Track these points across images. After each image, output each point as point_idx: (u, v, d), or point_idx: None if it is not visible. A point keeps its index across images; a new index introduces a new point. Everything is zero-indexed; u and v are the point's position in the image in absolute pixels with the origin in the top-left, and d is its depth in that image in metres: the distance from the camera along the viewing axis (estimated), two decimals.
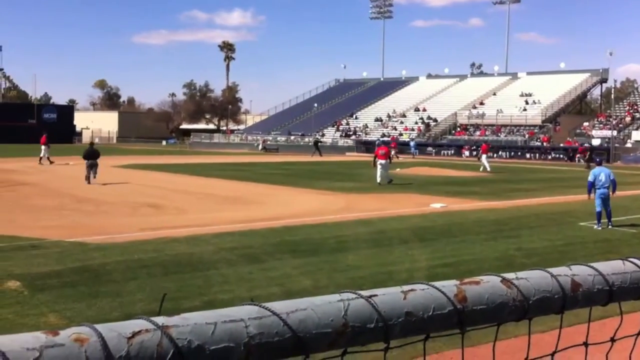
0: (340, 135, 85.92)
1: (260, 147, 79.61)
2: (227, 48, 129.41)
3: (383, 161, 29.91)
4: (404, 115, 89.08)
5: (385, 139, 71.27)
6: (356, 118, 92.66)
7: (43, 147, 42.97)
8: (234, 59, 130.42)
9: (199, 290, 9.80)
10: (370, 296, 1.14)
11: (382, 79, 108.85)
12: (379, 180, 29.64)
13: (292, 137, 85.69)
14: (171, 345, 0.93)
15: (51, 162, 41.66)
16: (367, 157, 62.76)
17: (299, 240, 14.31)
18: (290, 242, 14.05)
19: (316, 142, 69.35)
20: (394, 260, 12.33)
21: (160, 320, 0.96)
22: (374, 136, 79.53)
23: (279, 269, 11.44)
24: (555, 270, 1.37)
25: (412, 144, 67.63)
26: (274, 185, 28.72)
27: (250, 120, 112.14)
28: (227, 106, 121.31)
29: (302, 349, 1.03)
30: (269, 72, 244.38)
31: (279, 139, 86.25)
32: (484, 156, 43.27)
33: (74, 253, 12.48)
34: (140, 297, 9.40)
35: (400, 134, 79.69)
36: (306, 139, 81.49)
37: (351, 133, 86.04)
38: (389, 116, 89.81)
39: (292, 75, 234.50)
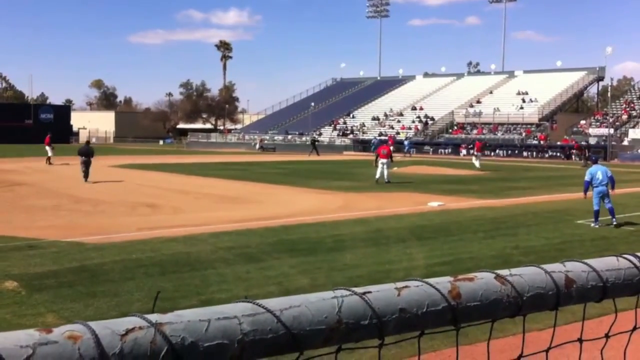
0: (338, 135, 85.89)
1: (257, 146, 79.47)
2: (224, 47, 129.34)
3: (385, 160, 30.09)
4: (401, 114, 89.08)
5: (382, 137, 71.41)
6: (353, 117, 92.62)
7: (47, 147, 42.94)
8: (231, 57, 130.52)
9: (197, 290, 9.80)
10: (364, 293, 1.14)
11: (379, 78, 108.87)
12: (377, 176, 29.81)
13: (289, 137, 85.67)
14: (165, 342, 0.93)
15: (50, 163, 41.55)
16: (364, 156, 62.78)
17: (297, 240, 14.31)
18: (288, 242, 14.05)
19: (313, 141, 69.35)
20: (391, 259, 12.34)
21: (154, 317, 0.96)
22: (371, 135, 79.63)
23: (277, 268, 11.44)
24: (549, 267, 1.37)
25: (406, 142, 67.73)
26: (271, 185, 28.71)
27: (247, 120, 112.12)
28: (224, 105, 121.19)
29: (296, 345, 1.03)
30: (266, 71, 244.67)
31: (276, 138, 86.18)
32: (479, 154, 44.30)
33: (71, 253, 12.47)
34: (138, 296, 9.40)
35: (398, 133, 79.67)
36: (303, 138, 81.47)
37: (348, 132, 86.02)
38: (386, 115, 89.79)
39: (288, 75, 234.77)
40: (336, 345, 1.11)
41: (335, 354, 1.13)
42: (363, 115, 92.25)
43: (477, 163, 42.82)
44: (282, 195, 24.58)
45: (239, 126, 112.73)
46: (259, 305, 1.03)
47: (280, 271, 11.23)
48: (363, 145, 74.58)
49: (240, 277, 10.75)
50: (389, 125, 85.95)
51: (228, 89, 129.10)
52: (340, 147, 77.05)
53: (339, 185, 28.47)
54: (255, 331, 1.00)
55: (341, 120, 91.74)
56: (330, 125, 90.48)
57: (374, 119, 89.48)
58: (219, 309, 1.02)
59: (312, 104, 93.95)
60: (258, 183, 29.48)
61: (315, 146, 66.15)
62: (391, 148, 33.30)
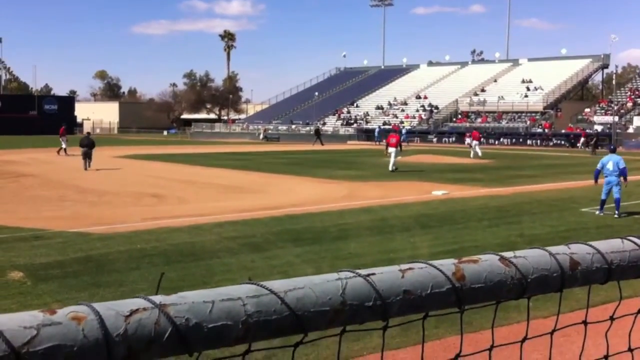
0: (342, 124, 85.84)
1: (261, 136, 79.55)
2: (228, 37, 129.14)
3: (393, 149, 30.62)
4: (405, 103, 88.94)
5: (386, 127, 71.35)
6: (357, 106, 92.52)
7: (61, 138, 43.01)
8: (235, 47, 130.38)
9: (202, 279, 9.82)
10: (369, 275, 1.14)
11: (382, 67, 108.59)
12: (390, 167, 30.18)
13: (294, 126, 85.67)
14: (169, 323, 0.93)
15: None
16: (368, 145, 62.73)
17: (301, 229, 14.32)
18: (293, 231, 14.06)
19: (317, 131, 69.30)
20: (395, 248, 12.35)
21: (158, 299, 0.96)
22: (375, 124, 79.48)
23: (282, 257, 11.46)
24: (553, 249, 1.37)
25: (403, 131, 67.94)
26: (275, 174, 28.71)
27: (251, 110, 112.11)
28: (228, 96, 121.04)
29: (300, 327, 1.03)
30: (270, 61, 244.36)
31: (280, 128, 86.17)
32: (475, 142, 44.62)
33: (76, 243, 12.50)
34: (143, 286, 9.42)
35: (402, 122, 79.59)
36: (307, 128, 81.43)
37: (352, 121, 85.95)
38: (390, 104, 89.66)
39: (292, 64, 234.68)
40: (340, 327, 1.11)
41: (339, 336, 1.13)
42: (367, 105, 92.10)
43: (477, 151, 43.23)
44: (287, 184, 24.58)
45: (242, 116, 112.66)
46: (263, 287, 1.03)
47: (285, 260, 11.25)
48: (367, 134, 74.53)
49: (245, 266, 10.77)
50: (393, 114, 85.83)
51: (232, 79, 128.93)
52: (344, 136, 76.94)
53: (343, 174, 28.46)
54: (259, 312, 1.00)
55: (345, 110, 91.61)
56: (334, 115, 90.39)
57: (378, 108, 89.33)
58: (223, 290, 1.02)
59: (316, 93, 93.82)
60: (262, 173, 29.49)
61: (319, 136, 66.10)
62: (401, 137, 33.78)
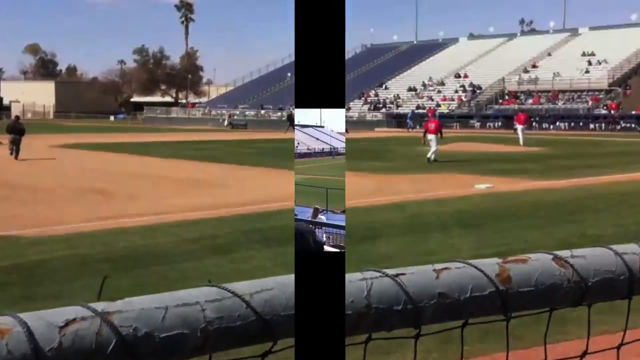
0: (368, 109, 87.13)
1: (225, 122, 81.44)
2: (185, 8, 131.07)
3: (433, 136, 31.32)
4: (442, 84, 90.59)
5: (420, 111, 72.37)
6: (386, 88, 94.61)
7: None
8: (193, 20, 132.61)
9: (157, 289, 9.67)
10: (397, 275, 1.19)
11: (415, 42, 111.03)
12: (429, 155, 30.96)
13: (263, 112, 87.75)
14: (113, 333, 0.96)
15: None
16: (399, 132, 62.98)
17: (272, 228, 14.45)
18: (263, 230, 14.31)
19: (290, 117, 70.12)
20: (432, 250, 12.45)
21: (100, 306, 1.00)
22: (407, 108, 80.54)
23: (251, 261, 11.61)
24: (620, 248, 1.39)
25: (436, 115, 68.94)
26: (242, 166, 29.39)
27: (214, 92, 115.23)
28: (186, 75, 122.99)
29: (270, 333, 1.07)
30: (236, 36, 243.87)
31: (247, 113, 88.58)
32: (521, 127, 45.47)
33: (2, 249, 12.61)
34: (87, 298, 9.36)
35: (438, 105, 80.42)
36: (279, 113, 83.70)
37: (380, 106, 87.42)
38: (424, 85, 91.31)
39: (266, 40, 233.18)
40: (365, 334, 1.16)
41: (364, 345, 1.17)
42: (398, 86, 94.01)
43: (520, 137, 43.77)
44: (254, 179, 25.22)
45: (204, 99, 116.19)
46: (225, 290, 1.07)
47: (255, 264, 11.38)
48: (398, 120, 75.55)
49: (209, 271, 10.88)
50: (428, 96, 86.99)
51: (190, 57, 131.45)
52: (372, 122, 78.97)
53: (348, 166, 28.53)
54: (220, 319, 1.04)
55: (372, 92, 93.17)
56: (360, 98, 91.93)
57: (410, 89, 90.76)
58: (178, 294, 1.06)
59: (289, 74, 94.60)
60: (227, 164, 30.20)
61: (292, 122, 66.81)
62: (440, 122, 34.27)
